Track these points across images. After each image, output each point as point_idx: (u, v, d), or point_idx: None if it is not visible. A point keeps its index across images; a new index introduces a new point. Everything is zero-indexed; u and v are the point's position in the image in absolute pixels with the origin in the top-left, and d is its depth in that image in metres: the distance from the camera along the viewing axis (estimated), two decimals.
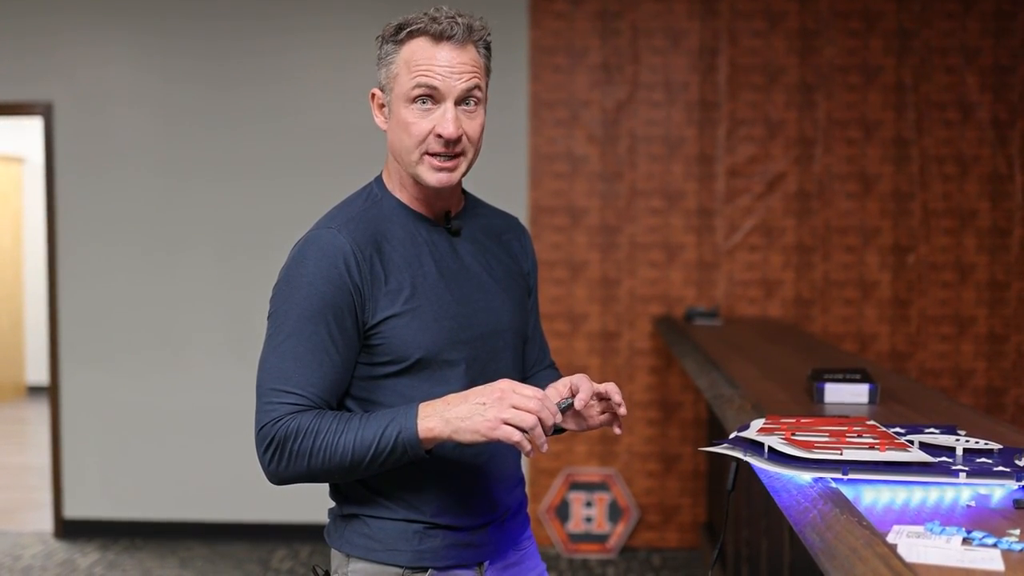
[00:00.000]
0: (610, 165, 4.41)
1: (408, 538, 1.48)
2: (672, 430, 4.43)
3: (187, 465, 4.49)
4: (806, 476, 1.34)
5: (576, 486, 4.40)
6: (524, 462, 4.33)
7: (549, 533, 4.37)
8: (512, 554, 1.60)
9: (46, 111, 4.46)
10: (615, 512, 4.38)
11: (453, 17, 1.43)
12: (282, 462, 1.39)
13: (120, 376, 4.49)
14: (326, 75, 4.44)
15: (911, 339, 4.40)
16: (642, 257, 4.42)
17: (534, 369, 1.70)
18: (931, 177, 4.38)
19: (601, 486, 4.40)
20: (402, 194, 1.52)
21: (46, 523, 4.69)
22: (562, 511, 4.38)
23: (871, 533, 1.11)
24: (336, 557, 1.53)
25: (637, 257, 4.42)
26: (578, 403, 1.43)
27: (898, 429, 1.59)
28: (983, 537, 1.07)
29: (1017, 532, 1.10)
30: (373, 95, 1.50)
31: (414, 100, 1.42)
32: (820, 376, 2.05)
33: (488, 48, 1.48)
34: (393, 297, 1.44)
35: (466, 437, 1.33)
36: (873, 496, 1.26)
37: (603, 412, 1.51)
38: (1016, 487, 1.28)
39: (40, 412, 7.10)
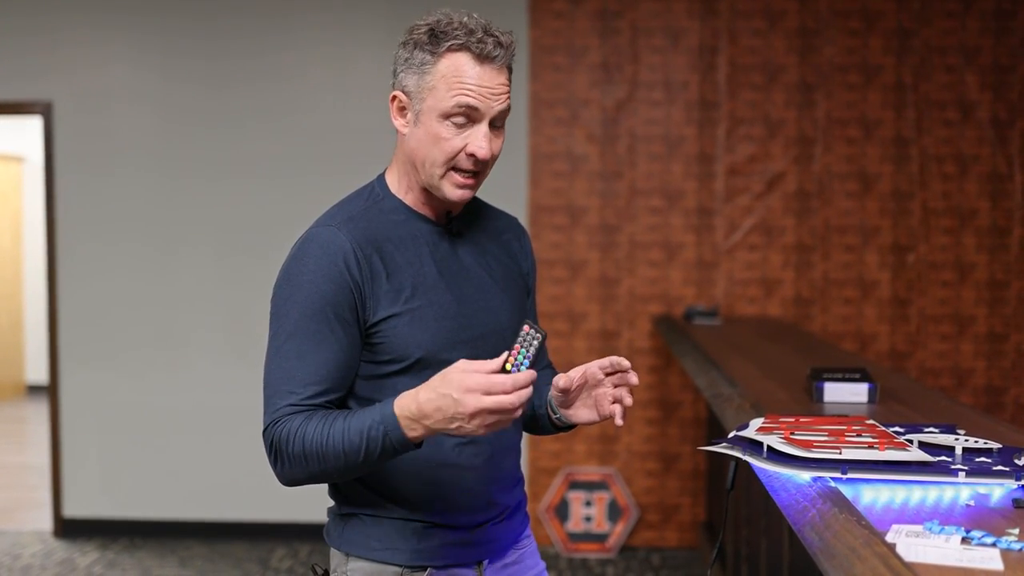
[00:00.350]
0: (610, 164, 4.41)
1: (407, 537, 1.48)
2: (671, 429, 4.43)
3: (186, 464, 4.49)
4: (805, 475, 1.34)
5: (575, 485, 4.40)
6: (523, 461, 4.33)
7: (548, 532, 4.37)
8: (511, 553, 1.60)
9: (46, 110, 4.46)
10: (614, 511, 4.38)
11: (494, 35, 1.42)
12: (284, 464, 1.39)
13: (120, 375, 4.48)
14: (326, 74, 4.44)
15: (911, 338, 4.40)
16: (642, 256, 4.41)
17: None
18: (931, 176, 4.38)
19: (600, 485, 4.40)
20: (407, 196, 1.51)
21: (45, 522, 4.69)
22: (561, 510, 4.38)
23: (870, 532, 1.11)
24: (335, 556, 1.53)
25: (637, 256, 4.41)
26: (572, 383, 1.43)
27: (897, 428, 1.59)
28: (982, 536, 1.07)
29: (1016, 531, 1.10)
30: (395, 98, 1.47)
31: (450, 116, 1.42)
32: (819, 375, 2.05)
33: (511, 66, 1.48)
34: (394, 297, 1.44)
35: (457, 438, 1.34)
36: (872, 495, 1.26)
37: (616, 386, 1.47)
38: (1015, 486, 1.28)
39: (39, 411, 7.10)
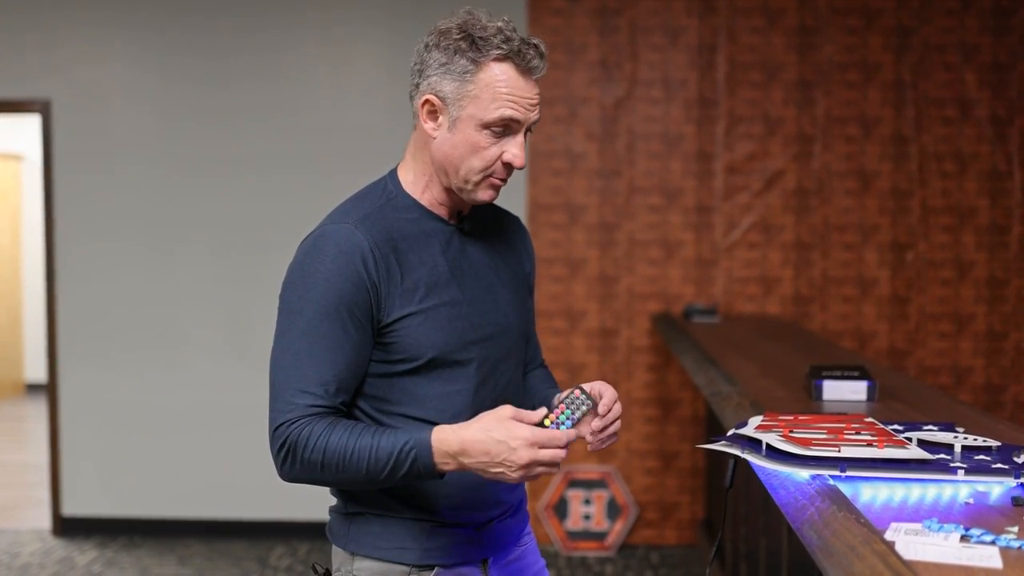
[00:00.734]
0: (609, 162, 4.40)
1: (416, 536, 1.48)
2: (671, 427, 4.43)
3: (185, 463, 4.49)
4: (804, 473, 1.34)
5: (574, 484, 4.39)
6: None
7: (547, 531, 4.37)
8: (514, 550, 1.61)
9: (44, 108, 4.45)
10: (613, 510, 4.38)
11: (533, 45, 1.43)
12: (294, 466, 1.38)
13: (118, 374, 4.48)
14: (325, 72, 4.43)
15: (910, 336, 4.40)
16: (641, 254, 4.41)
17: (527, 368, 1.70)
18: (930, 174, 4.38)
19: (599, 483, 4.40)
20: (423, 196, 1.51)
21: (44, 521, 4.68)
22: (560, 509, 4.38)
23: (869, 530, 1.11)
24: (339, 555, 1.52)
25: (636, 254, 4.41)
26: (602, 408, 1.45)
27: (896, 426, 1.59)
28: (981, 534, 1.07)
29: (1015, 529, 1.10)
30: (428, 101, 1.44)
31: (490, 126, 1.42)
32: (819, 373, 2.05)
33: None
34: (408, 296, 1.43)
35: (486, 478, 1.37)
36: (871, 493, 1.26)
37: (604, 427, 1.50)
38: (1014, 484, 1.28)
39: (38, 410, 7.10)
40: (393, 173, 1.54)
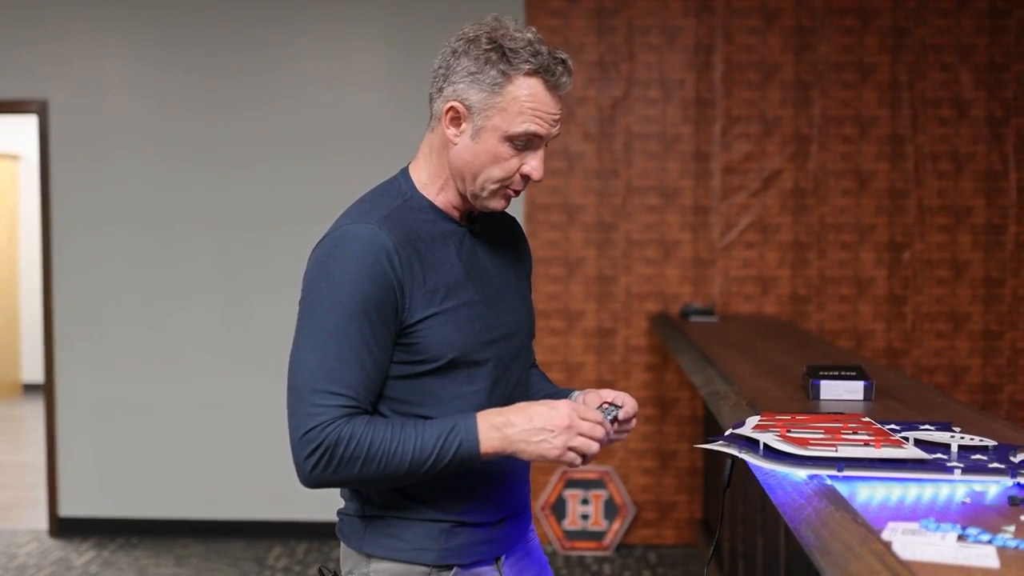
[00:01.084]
0: (606, 162, 4.41)
1: (435, 537, 1.48)
2: (668, 427, 4.44)
3: (183, 463, 4.48)
4: (801, 473, 1.34)
5: (572, 483, 4.40)
6: None
7: (545, 531, 4.38)
8: (521, 547, 1.62)
9: (41, 108, 4.45)
10: (611, 509, 4.38)
11: (561, 60, 1.44)
12: (328, 468, 1.37)
13: (116, 374, 4.48)
14: (323, 67, 4.43)
15: (906, 336, 4.41)
16: (638, 254, 4.42)
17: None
18: (926, 174, 4.39)
19: (597, 483, 4.40)
20: (438, 197, 1.51)
21: (41, 521, 4.68)
22: (558, 509, 4.38)
23: (866, 530, 1.12)
24: (352, 557, 1.52)
25: (633, 254, 4.42)
26: (622, 415, 1.50)
27: (893, 426, 1.60)
28: (978, 534, 1.07)
29: (1012, 529, 1.10)
30: (453, 107, 1.44)
31: (514, 139, 1.43)
32: (816, 373, 2.05)
33: None
34: (430, 297, 1.44)
35: (528, 457, 1.40)
36: (868, 493, 1.26)
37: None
38: (1011, 484, 1.28)
39: (36, 410, 7.09)
40: (405, 173, 1.54)
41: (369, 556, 1.50)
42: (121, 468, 4.50)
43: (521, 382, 1.59)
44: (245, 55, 4.42)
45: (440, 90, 1.47)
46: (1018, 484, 1.28)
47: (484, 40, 1.43)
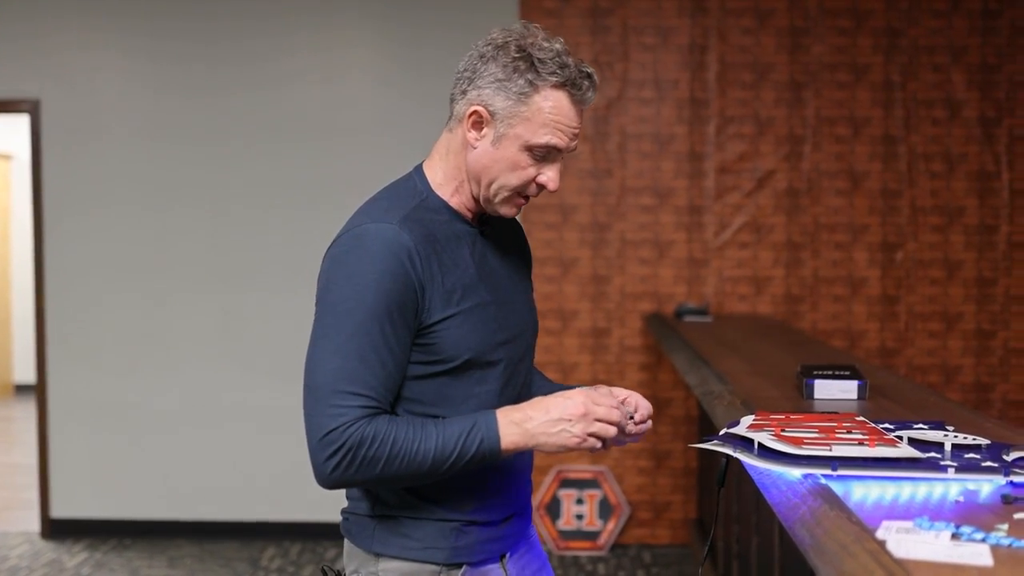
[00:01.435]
0: (600, 162, 4.41)
1: (445, 535, 1.49)
2: (662, 427, 4.44)
3: (176, 464, 4.47)
4: (796, 472, 1.34)
5: (567, 483, 4.40)
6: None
7: (540, 531, 4.37)
8: (524, 544, 1.63)
9: (33, 108, 4.43)
10: (606, 509, 4.39)
11: (587, 74, 1.45)
12: (350, 468, 1.37)
13: (108, 374, 4.46)
14: (316, 57, 4.42)
15: (899, 335, 4.42)
16: (632, 254, 4.42)
17: None
18: (919, 174, 4.40)
19: (591, 483, 4.40)
20: (452, 198, 1.51)
21: (33, 523, 4.66)
22: (553, 508, 4.38)
23: (860, 529, 1.12)
24: (358, 556, 1.52)
25: (627, 254, 4.42)
26: (638, 418, 1.51)
27: (887, 425, 1.60)
28: (972, 532, 1.08)
29: (1005, 527, 1.10)
30: (477, 112, 1.44)
31: (534, 149, 1.44)
32: (809, 372, 2.05)
33: None
34: (448, 298, 1.44)
35: (549, 449, 1.42)
36: (862, 492, 1.26)
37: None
38: (1004, 482, 1.29)
39: (28, 411, 7.06)
40: (420, 172, 1.54)
41: (378, 555, 1.50)
42: (114, 469, 4.49)
43: (527, 382, 1.61)
44: (242, 57, 4.41)
45: (464, 92, 1.46)
46: (1011, 482, 1.29)
47: (513, 48, 1.43)
